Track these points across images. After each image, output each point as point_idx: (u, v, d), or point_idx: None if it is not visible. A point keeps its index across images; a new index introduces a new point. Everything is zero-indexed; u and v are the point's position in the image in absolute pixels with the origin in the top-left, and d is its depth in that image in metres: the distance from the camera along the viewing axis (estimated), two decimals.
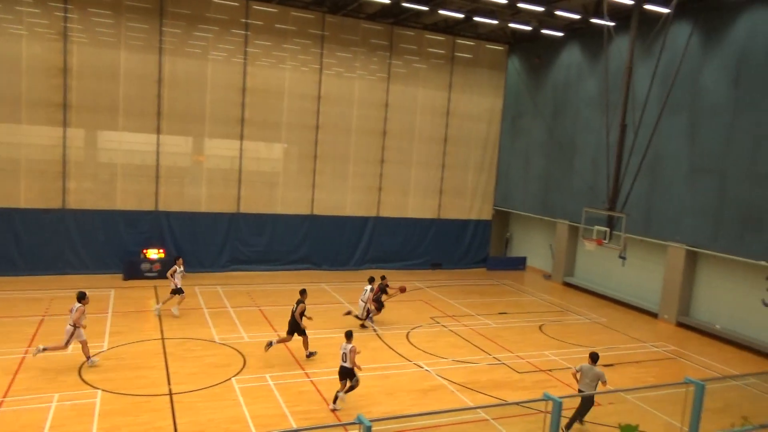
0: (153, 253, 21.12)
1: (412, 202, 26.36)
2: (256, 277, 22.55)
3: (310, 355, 14.22)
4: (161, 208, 21.92)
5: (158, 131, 21.45)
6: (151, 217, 21.80)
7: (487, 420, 11.29)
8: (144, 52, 20.89)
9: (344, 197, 24.96)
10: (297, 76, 23.36)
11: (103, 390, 11.63)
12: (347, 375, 11.63)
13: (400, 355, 14.96)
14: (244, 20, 22.16)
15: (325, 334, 16.07)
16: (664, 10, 17.54)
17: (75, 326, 12.53)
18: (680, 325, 19.84)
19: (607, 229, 18.28)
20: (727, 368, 15.87)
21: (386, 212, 25.80)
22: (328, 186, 24.56)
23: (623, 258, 22.84)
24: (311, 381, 12.89)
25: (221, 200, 22.86)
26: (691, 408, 8.30)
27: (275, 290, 20.83)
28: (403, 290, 18.53)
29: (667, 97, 17.24)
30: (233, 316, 17.35)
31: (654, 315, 20.84)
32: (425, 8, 21.50)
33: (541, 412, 7.38)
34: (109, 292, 18.92)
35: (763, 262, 17.02)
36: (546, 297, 22.94)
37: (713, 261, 19.40)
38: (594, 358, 11.30)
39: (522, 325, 18.58)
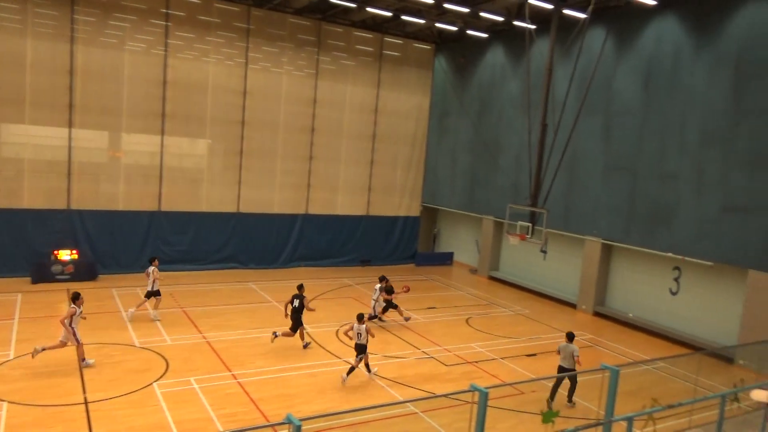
0: (65, 255, 19.88)
1: (341, 199, 26.28)
2: (180, 277, 21.72)
3: (306, 345, 15.04)
4: (74, 206, 20.66)
5: (70, 125, 20.20)
6: (63, 216, 20.50)
7: (416, 413, 11.43)
8: (54, 41, 19.58)
9: (272, 194, 24.52)
10: (221, 70, 22.68)
11: (9, 402, 10.80)
12: (362, 350, 13.22)
13: (329, 352, 14.87)
14: (164, 10, 21.25)
15: (252, 334, 15.73)
16: (582, 15, 18.36)
17: (70, 325, 12.46)
18: (597, 314, 20.92)
19: (530, 225, 18.94)
20: (639, 354, 16.87)
21: (315, 209, 25.58)
22: (255, 183, 24.04)
23: (544, 252, 23.82)
24: (238, 383, 12.56)
25: (141, 198, 21.84)
26: (607, 392, 8.73)
27: (200, 290, 20.15)
28: (406, 290, 18.96)
29: (584, 99, 18.08)
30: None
31: (573, 306, 21.85)
32: (353, 5, 21.46)
33: (468, 402, 7.52)
34: (15, 296, 17.63)
35: (670, 254, 18.23)
36: (472, 291, 23.51)
37: (626, 254, 20.57)
38: (570, 337, 12.54)
39: (449, 319, 18.95)
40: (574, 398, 12.51)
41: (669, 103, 18.33)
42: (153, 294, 16.33)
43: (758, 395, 3.12)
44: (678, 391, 13.62)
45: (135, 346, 14.27)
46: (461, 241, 29.28)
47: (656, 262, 19.38)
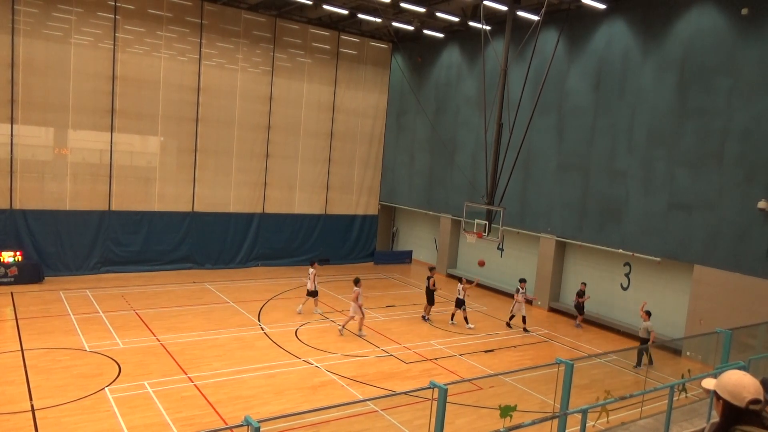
0: (8, 257, 18.99)
1: (298, 198, 26.03)
2: (132, 278, 21.08)
3: (425, 317, 18.69)
4: (17, 206, 19.76)
5: (12, 121, 19.29)
6: (5, 216, 19.58)
7: (377, 411, 11.43)
8: None
9: (228, 193, 24.07)
10: (174, 66, 22.09)
11: None
12: (460, 304, 18.09)
13: (288, 352, 14.71)
14: (112, 3, 20.55)
15: (208, 336, 15.42)
16: (535, 17, 18.73)
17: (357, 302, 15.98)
18: (551, 310, 21.40)
19: (487, 222, 19.21)
20: (592, 348, 17.35)
21: (272, 208, 25.25)
22: (211, 181, 23.54)
23: (501, 249, 24.22)
24: (194, 385, 12.28)
25: (89, 197, 21.06)
26: (562, 386, 8.94)
27: (154, 292, 19.60)
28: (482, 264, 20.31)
29: (537, 98, 18.46)
30: (106, 321, 16.07)
31: (529, 302, 22.22)
32: (309, 2, 21.27)
33: (428, 399, 7.56)
34: None
35: (620, 250, 18.82)
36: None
37: (579, 250, 21.12)
38: (648, 314, 15.57)
39: (409, 317, 19.04)
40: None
41: (618, 103, 18.91)
42: (312, 294, 17.95)
43: (708, 383, 3.25)
44: (629, 383, 14.08)
45: (85, 351, 13.76)
46: (419, 239, 29.47)
47: (608, 258, 19.96)
